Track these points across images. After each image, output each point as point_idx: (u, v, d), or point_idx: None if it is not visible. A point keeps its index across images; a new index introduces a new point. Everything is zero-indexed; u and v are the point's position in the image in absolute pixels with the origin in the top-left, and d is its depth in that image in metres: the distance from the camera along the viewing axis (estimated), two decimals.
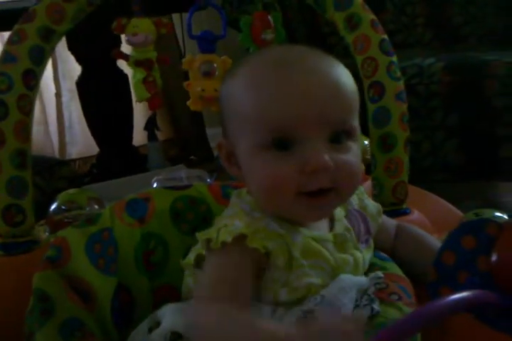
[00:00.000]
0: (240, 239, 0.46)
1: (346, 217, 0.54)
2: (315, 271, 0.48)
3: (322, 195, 0.47)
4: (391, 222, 0.61)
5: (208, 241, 0.48)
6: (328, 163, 0.45)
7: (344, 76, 0.49)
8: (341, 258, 0.50)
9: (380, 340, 0.27)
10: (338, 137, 0.47)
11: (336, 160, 0.46)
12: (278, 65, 0.48)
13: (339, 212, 0.54)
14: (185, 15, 1.68)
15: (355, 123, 0.49)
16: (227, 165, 0.53)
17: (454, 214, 0.76)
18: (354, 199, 0.56)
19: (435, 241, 0.57)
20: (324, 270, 0.49)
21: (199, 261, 0.50)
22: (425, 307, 0.29)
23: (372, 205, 0.58)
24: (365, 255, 0.53)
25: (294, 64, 0.48)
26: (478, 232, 0.35)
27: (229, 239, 0.46)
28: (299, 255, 0.48)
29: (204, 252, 0.49)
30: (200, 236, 0.50)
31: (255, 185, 0.49)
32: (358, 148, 0.49)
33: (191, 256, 0.51)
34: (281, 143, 0.46)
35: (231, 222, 0.49)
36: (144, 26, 0.84)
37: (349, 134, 0.48)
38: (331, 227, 0.52)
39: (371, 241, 0.55)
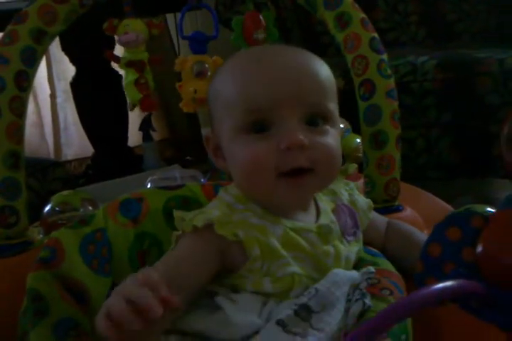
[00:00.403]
0: (211, 226, 0.48)
1: (333, 210, 0.55)
2: (296, 261, 0.49)
3: (301, 174, 0.48)
4: (382, 219, 0.62)
5: (181, 219, 0.51)
6: (302, 140, 0.47)
7: (319, 65, 0.52)
8: (322, 250, 0.51)
9: (364, 330, 0.27)
10: (314, 119, 0.49)
11: (312, 140, 0.48)
12: (257, 55, 0.52)
13: (326, 204, 0.55)
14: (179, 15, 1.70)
15: (331, 106, 0.51)
16: (214, 157, 0.54)
17: (447, 211, 0.76)
18: (344, 195, 0.57)
19: (424, 237, 0.58)
20: (305, 261, 0.49)
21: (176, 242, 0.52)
22: (409, 296, 0.29)
23: (363, 201, 0.59)
24: (352, 247, 0.54)
25: (272, 54, 0.52)
26: (463, 224, 0.35)
27: (200, 224, 0.48)
28: (279, 246, 0.48)
29: (179, 234, 0.51)
30: (176, 213, 0.53)
31: (237, 168, 0.51)
32: (336, 133, 0.51)
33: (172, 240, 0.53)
34: (258, 125, 0.49)
35: (210, 210, 0.50)
36: (135, 26, 0.84)
37: (325, 117, 0.50)
38: (317, 218, 0.53)
39: (359, 234, 0.56)
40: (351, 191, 0.58)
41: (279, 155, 0.47)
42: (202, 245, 0.48)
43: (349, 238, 0.54)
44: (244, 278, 0.48)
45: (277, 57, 0.51)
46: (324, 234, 0.51)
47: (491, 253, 0.33)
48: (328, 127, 0.50)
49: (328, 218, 0.53)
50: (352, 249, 0.54)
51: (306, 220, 0.52)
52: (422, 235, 0.59)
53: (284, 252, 0.48)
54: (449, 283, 0.29)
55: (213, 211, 0.50)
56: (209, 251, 0.48)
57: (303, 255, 0.49)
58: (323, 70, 0.52)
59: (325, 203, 0.55)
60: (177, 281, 0.45)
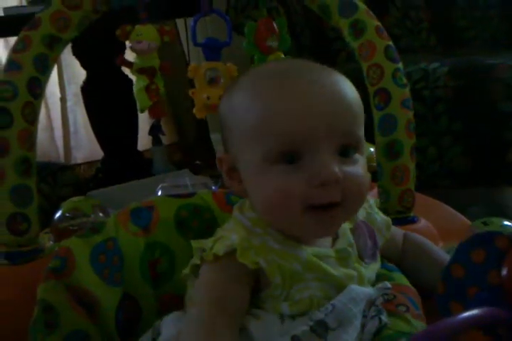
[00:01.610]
0: (232, 253, 0.46)
1: (352, 229, 0.53)
2: (318, 283, 0.48)
3: (331, 208, 0.46)
4: (399, 232, 0.60)
5: (202, 250, 0.48)
6: (338, 174, 0.44)
7: (348, 88, 0.49)
8: (345, 273, 0.49)
9: None
10: (347, 150, 0.47)
11: (345, 172, 0.45)
12: (282, 75, 0.48)
13: (344, 225, 0.53)
14: (190, 22, 1.70)
15: (361, 133, 0.49)
16: (228, 180, 0.52)
17: (461, 222, 0.75)
18: (361, 213, 0.55)
19: (442, 253, 0.57)
20: (328, 283, 0.48)
21: (195, 271, 0.50)
22: (434, 326, 0.28)
23: (381, 219, 0.57)
24: (371, 270, 0.53)
25: (298, 75, 0.48)
26: (487, 245, 0.34)
27: (221, 252, 0.46)
28: (302, 269, 0.47)
29: (198, 262, 0.49)
30: (195, 243, 0.51)
31: (261, 200, 0.48)
32: (364, 161, 0.49)
33: (188, 266, 0.51)
34: (289, 157, 0.46)
35: (228, 234, 0.48)
36: (147, 34, 0.84)
37: (356, 146, 0.48)
38: (334, 242, 0.52)
39: (378, 255, 0.54)
40: (370, 209, 0.57)
41: (311, 190, 0.45)
42: (232, 271, 0.46)
43: (367, 261, 0.52)
44: (263, 302, 0.47)
45: (308, 83, 0.47)
46: (343, 258, 0.50)
47: None
48: (358, 156, 0.48)
49: (346, 241, 0.52)
50: (372, 270, 0.52)
51: (324, 244, 0.51)
52: (440, 250, 0.58)
53: (305, 275, 0.47)
54: (474, 312, 0.28)
55: (232, 236, 0.48)
56: (239, 274, 0.46)
57: (325, 276, 0.48)
58: (353, 94, 0.49)
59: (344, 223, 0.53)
60: (228, 311, 0.44)
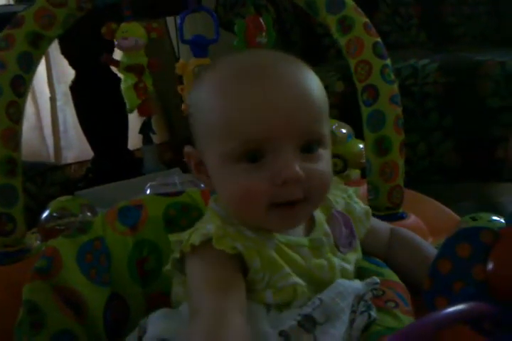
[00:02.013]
0: (208, 241, 0.46)
1: (327, 220, 0.53)
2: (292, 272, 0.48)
3: (294, 204, 0.46)
4: (384, 226, 0.60)
5: (179, 242, 0.49)
6: (299, 173, 0.45)
7: (313, 84, 0.48)
8: (315, 263, 0.49)
9: None
10: (309, 146, 0.47)
11: (307, 170, 0.46)
12: (244, 72, 0.47)
13: (320, 215, 0.53)
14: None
15: (325, 131, 0.48)
16: (196, 173, 0.52)
17: (451, 217, 0.75)
18: (339, 203, 0.55)
19: (431, 248, 0.56)
20: (299, 275, 0.48)
21: (176, 266, 0.50)
22: (418, 322, 0.28)
23: (360, 208, 0.57)
24: (349, 258, 0.53)
25: (260, 72, 0.47)
26: (473, 240, 0.34)
27: (196, 242, 0.46)
28: (277, 257, 0.47)
29: (177, 255, 0.49)
30: (172, 237, 0.51)
31: (226, 196, 0.49)
32: (328, 155, 0.49)
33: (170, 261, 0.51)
34: (251, 155, 0.46)
35: (203, 225, 0.49)
36: (133, 30, 0.83)
37: (319, 142, 0.48)
38: (310, 231, 0.52)
39: (356, 244, 0.54)
40: (349, 198, 0.57)
41: (274, 188, 0.45)
42: (216, 258, 0.46)
43: (344, 249, 0.52)
44: (248, 291, 0.46)
45: (273, 80, 0.46)
46: (316, 247, 0.50)
47: (502, 271, 0.31)
48: (321, 151, 0.48)
49: (322, 230, 0.52)
50: (348, 260, 0.52)
51: (297, 233, 0.51)
52: (428, 244, 0.58)
53: (281, 262, 0.47)
54: (459, 307, 0.28)
55: (207, 226, 0.48)
56: (225, 261, 0.46)
57: (297, 269, 0.48)
58: (317, 90, 0.48)
59: (319, 213, 0.53)
60: (228, 294, 0.44)
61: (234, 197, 0.47)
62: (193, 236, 0.47)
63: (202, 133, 0.49)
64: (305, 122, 0.46)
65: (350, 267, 0.52)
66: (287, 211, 0.46)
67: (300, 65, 0.49)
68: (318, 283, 0.49)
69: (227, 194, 0.48)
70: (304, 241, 0.50)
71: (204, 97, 0.49)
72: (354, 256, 0.53)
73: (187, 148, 0.52)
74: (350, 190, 0.58)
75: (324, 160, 0.48)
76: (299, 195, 0.46)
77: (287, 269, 0.47)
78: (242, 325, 0.42)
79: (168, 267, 0.51)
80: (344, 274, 0.51)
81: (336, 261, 0.51)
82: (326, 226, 0.53)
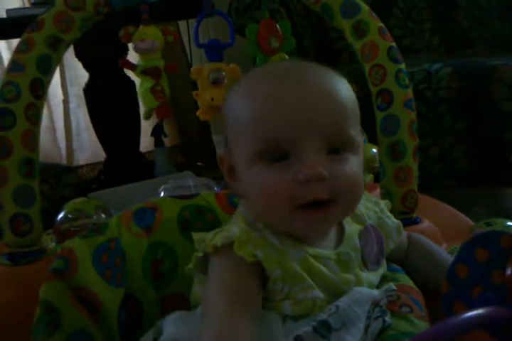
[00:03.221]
0: (230, 245, 0.46)
1: (360, 234, 0.52)
2: (317, 287, 0.47)
3: (320, 207, 0.46)
4: (403, 233, 0.60)
5: (202, 241, 0.49)
6: (322, 172, 0.44)
7: (341, 87, 0.49)
8: (343, 278, 0.49)
9: None
10: (335, 147, 0.47)
11: (332, 170, 0.45)
12: (275, 75, 0.49)
13: (351, 228, 0.52)
14: (192, 23, 1.70)
15: (353, 132, 0.48)
16: (228, 178, 0.52)
17: (464, 222, 0.75)
18: (371, 217, 0.55)
19: (445, 254, 0.56)
20: (325, 288, 0.48)
21: (199, 265, 0.50)
22: (438, 326, 0.28)
23: (392, 223, 0.56)
24: (374, 276, 0.52)
25: (290, 74, 0.48)
26: (491, 245, 0.34)
27: (219, 244, 0.46)
28: (300, 269, 0.47)
29: (200, 254, 0.49)
30: (196, 236, 0.51)
31: (252, 197, 0.49)
32: (357, 159, 0.48)
33: (192, 260, 0.51)
34: (277, 154, 0.46)
35: (230, 227, 0.49)
36: (151, 33, 0.84)
37: (347, 145, 0.47)
38: (338, 244, 0.51)
39: (383, 261, 0.54)
40: (381, 213, 0.56)
41: (297, 187, 0.45)
42: (230, 262, 0.46)
43: (371, 266, 0.52)
44: (264, 299, 0.47)
45: (298, 82, 0.47)
46: (344, 261, 0.49)
47: None
48: (349, 154, 0.47)
49: (351, 244, 0.51)
50: (376, 274, 0.52)
51: (326, 246, 0.50)
52: (442, 250, 0.58)
53: (303, 275, 0.47)
54: (478, 312, 0.28)
55: (232, 228, 0.48)
56: (239, 266, 0.46)
57: (323, 282, 0.48)
58: (346, 93, 0.49)
59: (351, 225, 0.53)
60: (241, 301, 0.44)
61: (258, 196, 0.47)
62: (217, 237, 0.47)
63: (231, 134, 0.50)
64: (329, 122, 0.46)
65: (376, 280, 0.52)
66: (313, 213, 0.46)
67: (329, 70, 0.50)
68: (341, 297, 0.48)
69: (252, 194, 0.48)
70: (331, 254, 0.49)
71: (234, 99, 0.50)
72: (381, 272, 0.53)
73: (220, 153, 0.52)
74: (382, 204, 0.57)
75: (352, 163, 0.47)
76: (322, 195, 0.45)
77: (310, 282, 0.47)
78: (251, 333, 0.42)
79: (190, 266, 0.51)
80: (370, 287, 0.50)
81: (364, 276, 0.50)
82: (357, 241, 0.52)
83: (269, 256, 0.46)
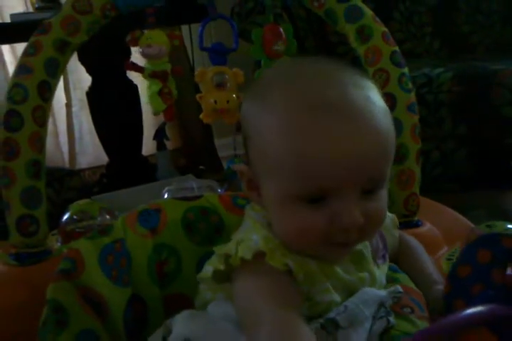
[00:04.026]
0: (260, 255, 0.46)
1: None
2: (333, 289, 0.48)
3: (349, 244, 0.47)
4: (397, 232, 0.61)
5: (226, 256, 0.48)
6: (359, 220, 0.44)
7: (387, 119, 0.46)
8: (357, 276, 0.49)
9: None
10: (372, 188, 0.45)
11: (366, 211, 0.45)
12: (316, 108, 0.44)
13: None
14: (194, 28, 1.71)
15: (389, 170, 0.46)
16: (247, 190, 0.51)
17: (465, 225, 0.75)
18: None
19: (428, 261, 0.58)
20: (340, 289, 0.48)
21: (218, 277, 0.50)
22: (438, 323, 0.28)
23: (388, 217, 0.57)
24: (382, 270, 0.53)
25: (334, 108, 0.44)
26: (493, 246, 0.35)
27: (248, 257, 0.46)
28: (318, 271, 0.47)
29: (222, 267, 0.48)
30: (218, 250, 0.50)
31: (282, 229, 0.48)
32: (386, 193, 0.48)
33: (208, 270, 0.51)
34: (314, 198, 0.45)
35: (248, 236, 0.48)
36: (157, 38, 0.84)
37: (382, 185, 0.46)
38: None
39: (387, 257, 0.55)
40: None
41: (331, 229, 0.44)
42: (265, 272, 0.46)
43: (379, 261, 0.53)
44: None
45: (346, 119, 0.43)
46: (358, 260, 0.50)
47: None
48: (381, 191, 0.46)
49: (361, 243, 0.51)
50: (383, 272, 0.53)
51: None
52: (426, 257, 0.59)
53: (321, 277, 0.47)
54: (478, 309, 0.29)
55: (253, 236, 0.48)
56: (274, 274, 0.46)
57: (339, 283, 0.48)
58: (390, 123, 0.46)
59: None
60: (292, 307, 0.43)
61: (290, 233, 0.46)
62: (242, 249, 0.47)
63: (262, 161, 0.47)
64: (374, 168, 0.44)
65: (384, 279, 0.53)
66: (341, 249, 0.47)
67: (374, 92, 0.47)
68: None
69: (283, 227, 0.47)
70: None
71: (271, 125, 0.45)
72: (386, 268, 0.54)
73: (238, 167, 0.51)
74: None
75: (382, 199, 0.47)
76: (354, 238, 0.45)
77: (327, 284, 0.47)
78: (311, 334, 0.41)
79: (205, 275, 0.51)
80: (380, 286, 0.51)
81: (377, 273, 0.51)
82: None
83: (295, 261, 0.46)
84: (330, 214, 0.44)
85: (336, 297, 0.47)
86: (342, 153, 0.43)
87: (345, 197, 0.44)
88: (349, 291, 0.49)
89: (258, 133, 0.47)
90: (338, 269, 0.49)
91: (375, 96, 0.46)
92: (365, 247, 0.51)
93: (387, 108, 0.47)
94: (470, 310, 0.30)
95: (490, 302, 0.32)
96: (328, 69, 0.48)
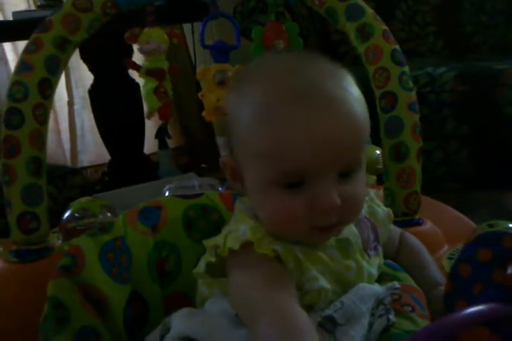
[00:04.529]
0: (248, 245, 0.47)
1: (355, 223, 0.54)
2: (321, 276, 0.48)
3: (332, 228, 0.48)
4: (396, 230, 0.61)
5: (215, 247, 0.49)
6: (337, 202, 0.45)
7: (361, 106, 0.47)
8: (343, 264, 0.50)
9: None
10: (348, 172, 0.47)
11: (344, 194, 0.46)
12: (288, 97, 0.45)
13: None
14: (196, 26, 1.71)
15: (364, 154, 0.48)
16: (231, 181, 0.52)
17: (467, 224, 0.75)
18: (363, 207, 0.55)
19: (430, 259, 0.58)
20: (327, 275, 0.49)
21: (210, 270, 0.50)
22: (438, 322, 0.28)
23: (383, 211, 0.58)
24: (373, 262, 0.53)
25: (306, 96, 0.45)
26: (494, 244, 0.35)
27: (236, 246, 0.47)
28: (303, 258, 0.48)
29: (213, 259, 0.49)
30: (207, 242, 0.51)
31: (265, 215, 0.49)
32: (363, 175, 0.49)
33: (201, 265, 0.51)
34: (293, 182, 0.46)
35: (236, 227, 0.49)
36: (156, 35, 0.85)
37: (357, 166, 0.48)
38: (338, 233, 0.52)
39: (380, 249, 0.55)
40: (370, 201, 0.57)
41: (312, 213, 0.46)
42: (257, 260, 0.46)
43: (371, 252, 0.53)
44: None
45: (320, 104, 0.44)
46: (344, 248, 0.51)
47: None
48: (356, 174, 0.48)
49: (349, 231, 0.52)
50: (373, 263, 0.53)
51: None
52: (429, 257, 0.59)
53: (307, 264, 0.48)
54: (479, 308, 0.29)
55: (241, 227, 0.49)
56: (263, 262, 0.46)
57: (325, 269, 0.49)
58: (364, 110, 0.47)
59: None
60: (287, 290, 0.44)
61: (274, 219, 0.48)
62: (229, 240, 0.48)
63: (242, 149, 0.49)
64: (351, 152, 0.46)
65: (374, 271, 0.53)
66: (327, 233, 0.48)
67: (346, 80, 0.48)
68: (345, 285, 0.49)
69: (266, 214, 0.49)
70: (331, 241, 0.50)
71: (247, 114, 0.47)
72: (377, 261, 0.54)
73: (223, 158, 0.52)
74: (372, 193, 0.58)
75: (359, 181, 0.48)
76: (334, 221, 0.47)
77: (314, 272, 0.48)
78: (307, 317, 0.42)
79: (199, 270, 0.51)
80: (370, 278, 0.51)
81: (365, 263, 0.51)
82: (354, 229, 0.53)
83: (283, 248, 0.47)
84: (308, 198, 0.45)
85: (325, 283, 0.47)
86: (314, 136, 0.44)
87: (322, 181, 0.45)
88: (337, 280, 0.49)
89: (237, 122, 0.49)
90: (324, 256, 0.49)
91: (347, 84, 0.47)
92: (353, 236, 0.52)
93: (360, 95, 0.48)
94: (470, 310, 0.29)
95: (490, 301, 0.31)
96: (302, 60, 0.50)
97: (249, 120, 0.47)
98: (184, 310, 0.51)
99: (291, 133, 0.44)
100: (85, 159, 2.00)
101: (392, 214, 0.58)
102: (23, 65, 0.68)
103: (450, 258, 0.67)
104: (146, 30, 0.86)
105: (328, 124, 0.44)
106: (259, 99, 0.47)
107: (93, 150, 1.97)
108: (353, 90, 0.47)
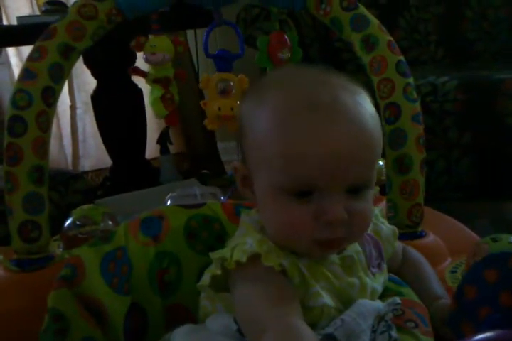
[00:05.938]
0: (255, 257, 0.46)
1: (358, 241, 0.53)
2: (324, 292, 0.48)
3: (335, 242, 0.48)
4: (398, 244, 0.61)
5: (222, 260, 0.48)
6: (343, 216, 0.45)
7: (376, 124, 0.48)
8: (347, 282, 0.50)
9: None
10: (358, 188, 0.47)
11: (351, 210, 0.46)
12: (310, 107, 0.46)
13: None
14: (199, 33, 1.71)
15: (374, 172, 0.48)
16: (241, 187, 0.52)
17: (469, 236, 0.75)
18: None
19: (432, 273, 0.58)
20: (331, 292, 0.48)
21: (215, 283, 0.50)
22: None
23: (387, 228, 0.57)
24: (377, 279, 0.53)
25: (327, 109, 0.46)
26: (501, 266, 0.34)
27: (243, 259, 0.46)
28: (308, 273, 0.48)
29: (218, 272, 0.49)
30: (214, 255, 0.50)
31: (271, 224, 0.49)
32: (371, 192, 0.49)
33: (206, 278, 0.51)
34: (302, 192, 0.46)
35: (243, 240, 0.49)
36: (162, 45, 0.85)
37: (368, 185, 0.48)
38: (342, 250, 0.52)
39: (384, 266, 0.55)
40: (375, 219, 0.57)
41: (317, 225, 0.46)
42: (265, 273, 0.46)
43: (374, 270, 0.53)
44: None
45: (336, 119, 0.45)
46: (348, 265, 0.50)
47: None
48: (366, 191, 0.48)
49: (353, 248, 0.52)
50: (378, 281, 0.53)
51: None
52: (431, 270, 0.59)
53: (311, 281, 0.48)
54: (487, 335, 0.28)
55: (247, 240, 0.48)
56: (270, 276, 0.46)
57: (328, 286, 0.49)
58: (379, 128, 0.48)
59: None
60: (292, 307, 0.44)
61: (279, 227, 0.48)
62: (236, 252, 0.47)
63: (256, 159, 0.49)
64: (362, 169, 0.46)
65: (379, 288, 0.52)
66: (330, 247, 0.48)
67: (365, 97, 0.49)
68: (347, 302, 0.49)
69: (272, 222, 0.49)
70: (335, 258, 0.50)
71: (263, 123, 0.48)
72: (382, 278, 0.54)
73: (235, 164, 0.52)
74: (377, 210, 0.58)
75: (368, 199, 0.48)
76: (341, 234, 0.47)
77: (317, 288, 0.47)
78: (312, 332, 0.42)
79: (204, 283, 0.51)
80: (373, 295, 0.51)
81: (368, 280, 0.51)
82: (358, 246, 0.53)
83: (289, 262, 0.47)
84: (315, 209, 0.46)
85: (328, 300, 0.47)
86: (327, 150, 0.45)
87: (331, 194, 0.46)
88: (340, 297, 0.49)
89: (251, 129, 0.49)
90: (327, 272, 0.49)
91: (363, 101, 0.48)
92: (357, 253, 0.52)
93: (375, 112, 0.49)
94: (478, 337, 0.29)
95: (497, 326, 0.31)
96: (322, 75, 0.51)
97: (267, 127, 0.47)
98: (186, 327, 0.51)
99: (305, 144, 0.45)
100: (87, 164, 2.00)
101: (397, 232, 0.58)
102: (26, 72, 0.68)
103: (453, 272, 0.66)
104: (151, 39, 0.86)
105: (345, 138, 0.45)
106: (279, 107, 0.47)
107: (95, 155, 1.97)
108: (369, 107, 0.48)
